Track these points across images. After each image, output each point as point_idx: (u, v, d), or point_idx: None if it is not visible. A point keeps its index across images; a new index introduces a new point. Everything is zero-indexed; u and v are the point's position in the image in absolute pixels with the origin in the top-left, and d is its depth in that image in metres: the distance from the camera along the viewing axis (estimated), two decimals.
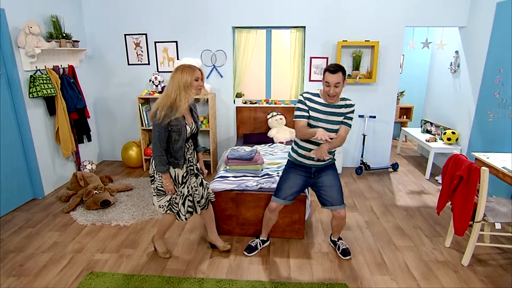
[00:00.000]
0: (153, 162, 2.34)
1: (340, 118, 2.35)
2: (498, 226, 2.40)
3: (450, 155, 4.32)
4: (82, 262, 2.63)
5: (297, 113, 2.35)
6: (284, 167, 2.62)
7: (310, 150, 2.39)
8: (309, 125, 2.35)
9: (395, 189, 4.05)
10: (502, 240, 2.88)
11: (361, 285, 2.36)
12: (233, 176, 3.14)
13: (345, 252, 2.67)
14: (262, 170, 3.24)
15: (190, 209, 2.49)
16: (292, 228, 2.93)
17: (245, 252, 2.72)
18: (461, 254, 2.68)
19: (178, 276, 2.47)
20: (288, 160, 2.58)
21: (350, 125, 2.37)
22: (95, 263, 2.61)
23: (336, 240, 2.79)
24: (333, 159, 2.54)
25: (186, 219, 2.46)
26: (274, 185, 2.87)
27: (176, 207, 2.43)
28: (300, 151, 2.44)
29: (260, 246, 2.80)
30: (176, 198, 2.41)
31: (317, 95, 2.37)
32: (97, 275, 2.46)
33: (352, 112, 2.38)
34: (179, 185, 2.39)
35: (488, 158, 2.88)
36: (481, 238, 2.88)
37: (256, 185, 2.93)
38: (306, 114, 2.33)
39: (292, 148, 2.53)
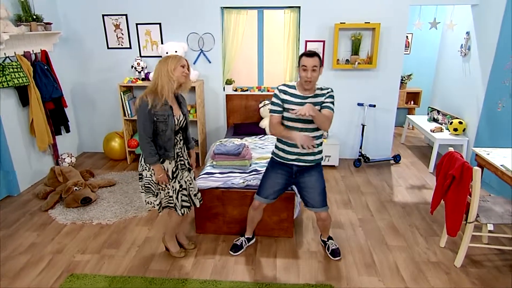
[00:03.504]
0: (141, 157, 2.49)
1: (319, 108, 2.47)
2: (490, 227, 2.56)
3: (457, 146, 4.48)
4: (62, 263, 2.81)
5: (271, 107, 2.50)
6: (267, 164, 2.77)
7: (292, 145, 2.53)
8: (284, 118, 2.51)
9: (395, 184, 4.21)
10: (503, 241, 3.04)
11: (347, 287, 2.55)
12: (219, 173, 3.29)
13: (335, 253, 2.85)
14: (250, 166, 3.39)
15: (185, 204, 2.68)
16: (280, 227, 3.10)
17: (230, 252, 2.91)
18: (455, 255, 2.85)
19: (162, 277, 2.66)
20: (271, 157, 2.72)
21: (331, 108, 2.46)
22: (76, 265, 2.79)
23: (326, 240, 2.97)
24: (318, 157, 2.63)
25: (182, 214, 2.65)
26: None
27: (172, 200, 2.60)
28: (281, 146, 2.59)
29: (246, 244, 2.98)
30: (169, 192, 2.58)
31: (293, 87, 2.51)
32: (77, 277, 2.65)
33: (331, 97, 2.48)
34: (170, 180, 2.55)
35: (488, 154, 3.01)
36: (479, 238, 3.05)
37: (243, 183, 3.08)
38: (280, 108, 2.49)
39: (275, 144, 2.68)
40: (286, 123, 2.52)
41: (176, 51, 4.33)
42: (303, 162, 2.58)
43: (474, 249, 2.93)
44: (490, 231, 2.94)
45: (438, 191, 2.79)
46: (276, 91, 2.52)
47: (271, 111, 2.52)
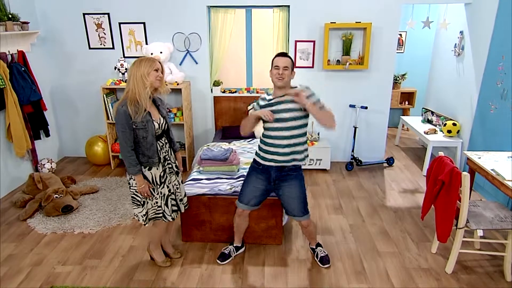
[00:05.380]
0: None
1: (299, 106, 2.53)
2: (480, 233, 2.65)
3: (452, 148, 4.59)
4: (41, 275, 2.82)
5: (250, 109, 2.60)
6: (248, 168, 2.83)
7: (273, 153, 2.60)
8: (268, 129, 2.60)
9: (387, 188, 4.30)
10: (496, 246, 3.14)
11: None
12: (206, 179, 3.33)
13: (324, 260, 2.92)
14: (238, 171, 3.44)
15: (174, 208, 2.75)
16: (268, 234, 3.16)
17: (218, 261, 2.96)
18: (446, 261, 2.93)
19: (146, 287, 2.70)
20: (253, 159, 2.77)
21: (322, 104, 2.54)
22: (56, 277, 2.81)
23: (314, 247, 3.03)
24: (299, 166, 2.69)
25: (173, 219, 2.72)
26: None
27: (160, 209, 2.65)
28: (264, 147, 2.64)
29: (234, 253, 3.03)
30: (157, 202, 2.62)
31: (269, 94, 2.64)
32: None
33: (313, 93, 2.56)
34: (158, 186, 2.59)
35: (480, 158, 3.11)
36: (471, 244, 3.15)
37: (230, 189, 3.14)
38: (258, 108, 2.63)
39: (258, 146, 2.73)
40: (271, 133, 2.57)
41: (161, 52, 4.36)
42: (287, 162, 2.62)
43: (465, 255, 3.02)
44: (481, 237, 3.04)
45: (428, 197, 2.88)
46: (256, 102, 2.71)
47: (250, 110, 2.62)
